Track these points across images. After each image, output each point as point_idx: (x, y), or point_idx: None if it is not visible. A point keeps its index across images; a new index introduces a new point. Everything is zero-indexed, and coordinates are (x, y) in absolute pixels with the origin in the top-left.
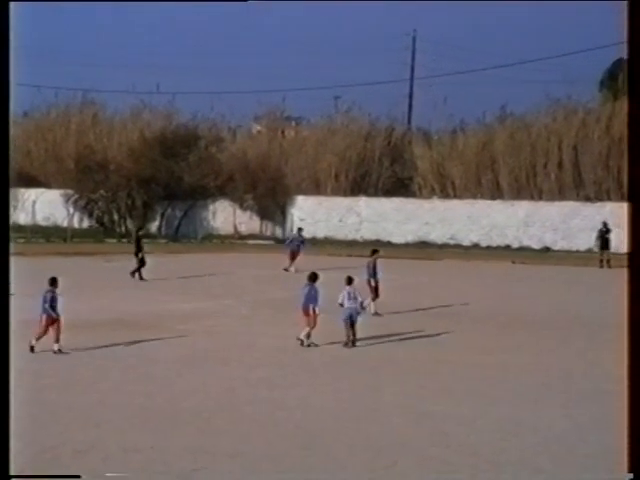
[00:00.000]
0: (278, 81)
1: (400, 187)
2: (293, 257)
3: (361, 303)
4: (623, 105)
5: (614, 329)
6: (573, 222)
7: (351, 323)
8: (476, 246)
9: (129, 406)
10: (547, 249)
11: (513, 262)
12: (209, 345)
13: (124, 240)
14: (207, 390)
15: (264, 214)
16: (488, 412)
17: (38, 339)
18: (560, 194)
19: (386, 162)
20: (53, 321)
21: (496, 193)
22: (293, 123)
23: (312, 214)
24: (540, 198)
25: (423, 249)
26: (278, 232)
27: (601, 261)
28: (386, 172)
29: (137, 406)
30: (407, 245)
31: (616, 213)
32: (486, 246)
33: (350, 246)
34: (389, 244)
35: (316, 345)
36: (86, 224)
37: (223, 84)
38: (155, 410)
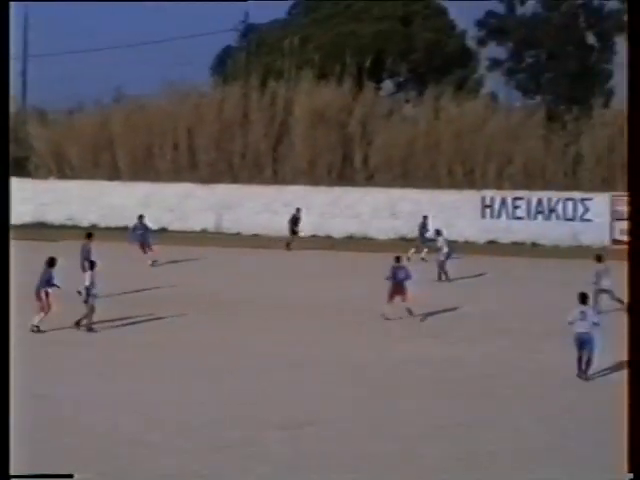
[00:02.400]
0: None
1: (17, 167)
2: (143, 248)
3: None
4: (232, 90)
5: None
6: (188, 203)
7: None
8: (94, 226)
9: None
10: (164, 229)
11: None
12: None
13: None
14: None
15: None
16: (106, 390)
17: None
18: (176, 175)
19: None
20: None
21: (114, 174)
22: None
23: None
24: (158, 179)
25: (40, 230)
26: None
27: (288, 244)
28: None
29: None
30: (24, 226)
31: (229, 194)
32: (105, 227)
33: None
34: None
35: (42, 331)
36: None
37: None
38: None
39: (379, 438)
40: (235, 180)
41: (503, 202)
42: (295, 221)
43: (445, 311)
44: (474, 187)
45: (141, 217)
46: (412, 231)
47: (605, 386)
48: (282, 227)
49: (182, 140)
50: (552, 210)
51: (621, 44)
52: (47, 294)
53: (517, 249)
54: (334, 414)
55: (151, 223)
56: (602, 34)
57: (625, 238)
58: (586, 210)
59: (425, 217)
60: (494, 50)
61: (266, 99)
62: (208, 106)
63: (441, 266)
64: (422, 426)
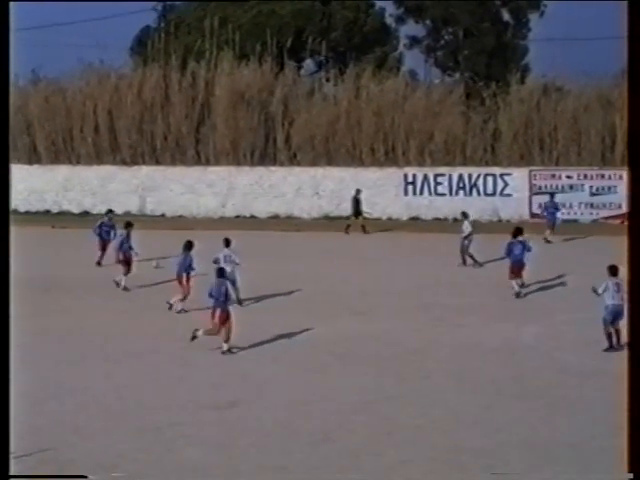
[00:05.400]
0: None
1: None
2: (104, 248)
3: None
4: (152, 71)
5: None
6: (111, 186)
7: None
8: (15, 212)
9: None
10: (86, 213)
11: (53, 227)
12: None
13: None
14: None
15: None
16: None
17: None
18: (97, 158)
19: None
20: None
21: (33, 157)
22: None
23: None
24: (78, 162)
25: None
26: None
27: (348, 226)
28: None
29: None
30: None
31: (152, 176)
32: (25, 211)
33: None
34: None
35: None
36: None
37: None
38: None
39: (307, 415)
40: (158, 162)
41: (425, 179)
42: (357, 202)
43: (368, 289)
44: (396, 164)
45: (110, 212)
46: (336, 209)
47: (527, 357)
48: (207, 208)
49: (102, 122)
50: (473, 186)
51: (535, 21)
52: (188, 278)
53: (439, 225)
54: (259, 394)
55: (72, 206)
56: (516, 11)
57: (542, 212)
58: (505, 185)
59: (552, 194)
60: (413, 28)
61: (187, 80)
62: (128, 88)
63: (465, 250)
64: (350, 402)
